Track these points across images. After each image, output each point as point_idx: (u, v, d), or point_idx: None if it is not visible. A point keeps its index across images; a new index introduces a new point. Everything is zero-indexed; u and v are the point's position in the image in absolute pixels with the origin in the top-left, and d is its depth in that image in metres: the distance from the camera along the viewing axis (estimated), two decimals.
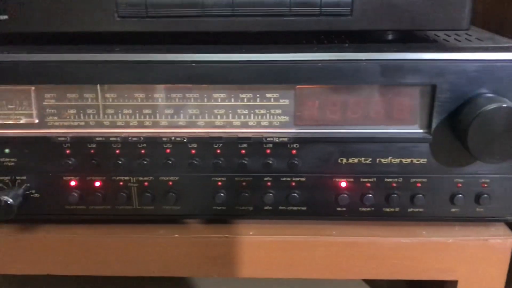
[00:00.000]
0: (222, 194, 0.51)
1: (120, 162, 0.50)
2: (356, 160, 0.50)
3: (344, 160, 0.50)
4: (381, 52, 0.46)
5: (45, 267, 0.54)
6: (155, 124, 0.50)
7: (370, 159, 0.50)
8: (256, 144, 0.49)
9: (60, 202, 0.52)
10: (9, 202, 0.49)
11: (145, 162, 0.50)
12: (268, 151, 0.50)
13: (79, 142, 0.49)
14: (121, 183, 0.51)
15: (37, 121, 0.50)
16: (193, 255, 0.53)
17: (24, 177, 0.51)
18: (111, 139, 0.49)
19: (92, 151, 0.50)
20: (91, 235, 0.53)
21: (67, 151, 0.50)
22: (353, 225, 0.53)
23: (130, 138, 0.49)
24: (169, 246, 0.53)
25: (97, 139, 0.49)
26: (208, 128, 0.50)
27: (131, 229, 0.53)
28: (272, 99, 0.49)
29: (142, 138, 0.49)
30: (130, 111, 0.50)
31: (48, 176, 0.51)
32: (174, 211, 0.52)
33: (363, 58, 0.46)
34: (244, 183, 0.51)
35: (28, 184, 0.51)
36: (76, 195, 0.51)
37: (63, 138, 0.49)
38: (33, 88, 0.49)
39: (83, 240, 0.53)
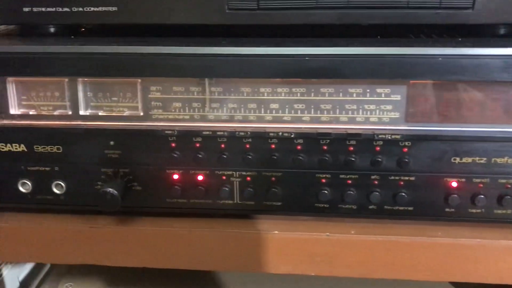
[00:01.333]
0: (325, 192, 0.50)
1: (224, 156, 0.49)
2: (470, 160, 0.48)
3: (458, 160, 0.48)
4: (505, 47, 0.44)
5: (141, 260, 0.54)
6: (260, 119, 0.49)
7: (485, 158, 0.47)
8: (365, 141, 0.48)
9: (161, 195, 0.52)
10: (114, 194, 0.49)
11: (249, 157, 0.49)
12: (378, 148, 0.48)
13: (186, 136, 0.49)
14: (223, 177, 0.51)
15: (142, 113, 0.50)
16: (294, 252, 0.52)
17: (127, 170, 0.51)
18: (218, 133, 0.49)
19: (197, 144, 0.49)
20: (190, 229, 0.52)
21: (173, 144, 0.50)
22: (458, 227, 0.51)
23: (237, 133, 0.48)
24: (268, 241, 0.52)
25: (204, 133, 0.49)
26: (313, 123, 0.49)
27: (230, 224, 0.53)
28: (383, 95, 0.47)
29: (249, 133, 0.48)
30: (235, 105, 0.49)
31: (151, 169, 0.51)
32: (275, 207, 0.51)
33: (486, 54, 0.44)
34: (349, 181, 0.49)
35: (130, 177, 0.51)
36: (178, 188, 0.51)
37: (170, 132, 0.49)
38: (139, 80, 0.49)
39: (182, 234, 0.52)
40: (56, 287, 0.69)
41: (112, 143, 0.50)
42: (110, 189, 0.49)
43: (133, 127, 0.50)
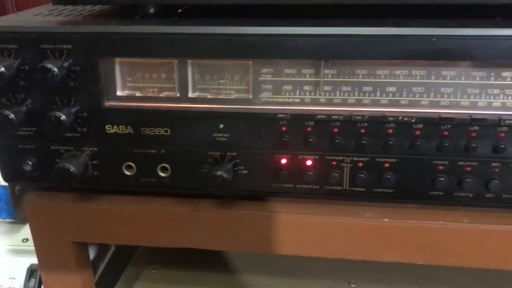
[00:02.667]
0: (442, 179, 0.48)
1: (337, 141, 0.48)
2: None
3: None
4: None
5: (244, 244, 0.53)
6: (375, 103, 0.47)
7: None
8: (490, 126, 0.46)
9: (268, 179, 0.51)
10: (225, 177, 0.48)
11: (363, 142, 0.48)
12: (502, 134, 0.46)
13: (298, 120, 0.48)
14: (333, 163, 0.49)
15: (251, 96, 0.49)
16: (403, 240, 0.50)
17: (235, 153, 0.50)
18: (332, 117, 0.47)
19: (309, 129, 0.48)
20: (296, 214, 0.51)
21: (283, 128, 0.48)
22: None
23: (352, 117, 0.47)
24: (377, 229, 0.50)
25: (318, 117, 0.47)
26: (432, 108, 0.47)
27: (339, 210, 0.51)
28: (508, 79, 0.45)
29: (366, 117, 0.47)
30: (349, 88, 0.47)
31: (259, 153, 0.50)
32: (386, 194, 0.50)
33: None
34: (468, 168, 0.47)
35: (237, 160, 0.50)
36: (286, 172, 0.50)
37: (282, 115, 0.48)
38: (250, 62, 0.48)
39: (287, 219, 0.51)
40: (141, 270, 0.70)
41: (221, 126, 0.49)
42: (222, 172, 0.48)
43: (243, 110, 0.49)
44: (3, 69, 0.46)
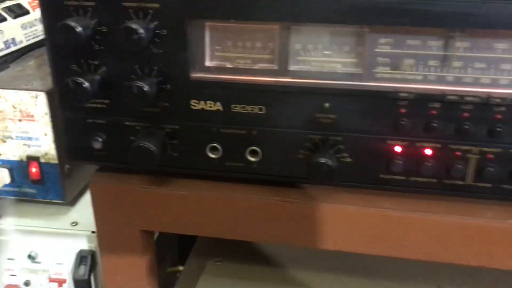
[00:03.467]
0: None
1: (466, 127, 0.41)
2: None
3: None
4: None
5: (337, 243, 0.47)
6: None
7: None
8: None
9: (375, 169, 0.44)
10: (331, 166, 0.41)
11: (498, 129, 0.40)
12: None
13: (421, 100, 0.41)
14: (457, 153, 0.42)
15: (361, 71, 0.41)
16: None
17: (339, 138, 0.43)
18: (466, 98, 0.40)
19: (433, 111, 0.41)
20: (407, 211, 0.44)
21: (402, 110, 0.41)
22: None
23: (490, 99, 0.40)
24: (499, 231, 0.43)
25: (449, 97, 0.40)
26: None
27: (449, 207, 0.44)
28: None
29: (509, 99, 0.39)
30: (484, 65, 0.40)
31: (368, 138, 0.43)
32: None
33: None
34: None
35: (341, 146, 0.43)
36: (399, 162, 0.43)
37: (404, 94, 0.41)
38: (367, 30, 0.40)
39: (391, 216, 0.44)
40: (204, 262, 0.64)
41: (326, 105, 0.42)
42: (326, 160, 0.41)
43: (355, 87, 0.41)
44: (80, 29, 0.40)
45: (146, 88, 0.41)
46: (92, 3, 0.41)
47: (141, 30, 0.39)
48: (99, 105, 0.45)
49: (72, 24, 0.39)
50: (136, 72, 0.43)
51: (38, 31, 0.73)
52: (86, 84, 0.41)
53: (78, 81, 0.41)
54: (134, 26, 0.39)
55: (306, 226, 0.46)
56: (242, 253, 0.65)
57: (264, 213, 0.46)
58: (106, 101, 0.45)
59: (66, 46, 0.40)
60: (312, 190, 0.46)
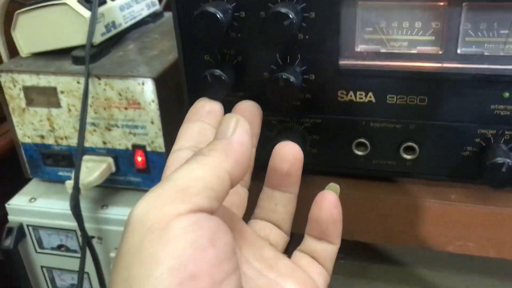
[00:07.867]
0: None
1: None
2: None
3: None
4: None
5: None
6: None
7: None
8: None
9: None
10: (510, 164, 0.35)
11: None
12: None
13: None
14: None
15: None
16: None
17: None
18: None
19: None
20: None
21: None
22: None
23: None
24: None
25: None
26: None
27: None
28: None
29: None
30: None
31: None
32: None
33: None
34: None
35: None
36: None
37: None
38: None
39: None
40: None
41: (506, 95, 0.36)
42: (504, 159, 0.35)
43: None
44: (221, 15, 0.35)
45: (292, 79, 0.36)
46: None
47: (292, 15, 0.34)
48: (231, 98, 0.40)
49: (212, 10, 0.35)
50: (277, 61, 0.38)
51: (134, 12, 0.69)
52: (225, 77, 0.37)
53: (216, 73, 0.37)
54: (283, 10, 0.34)
55: (466, 231, 0.40)
56: (363, 249, 0.60)
57: (416, 216, 0.41)
58: (240, 94, 0.40)
59: (204, 36, 0.36)
60: (470, 190, 0.41)
